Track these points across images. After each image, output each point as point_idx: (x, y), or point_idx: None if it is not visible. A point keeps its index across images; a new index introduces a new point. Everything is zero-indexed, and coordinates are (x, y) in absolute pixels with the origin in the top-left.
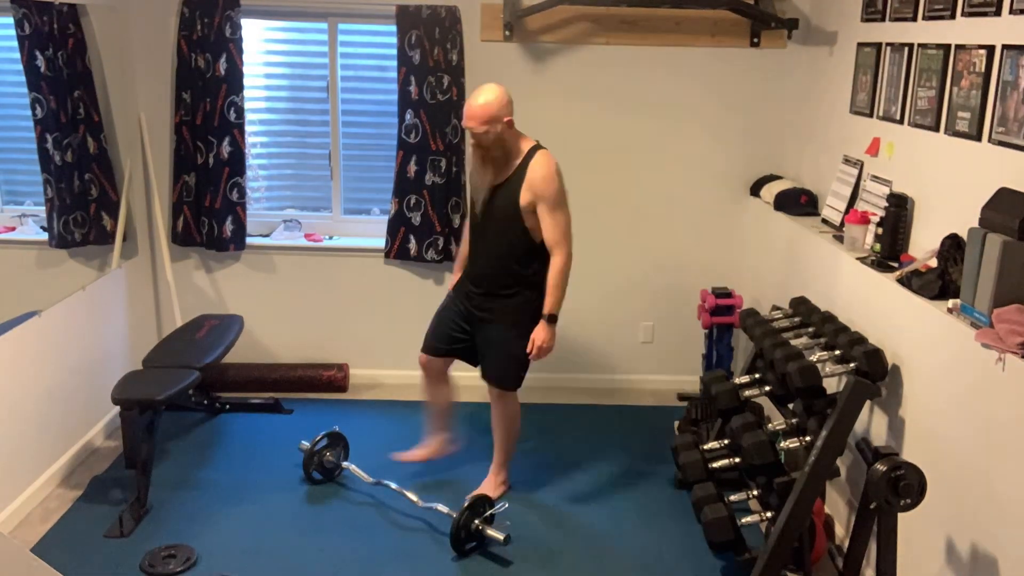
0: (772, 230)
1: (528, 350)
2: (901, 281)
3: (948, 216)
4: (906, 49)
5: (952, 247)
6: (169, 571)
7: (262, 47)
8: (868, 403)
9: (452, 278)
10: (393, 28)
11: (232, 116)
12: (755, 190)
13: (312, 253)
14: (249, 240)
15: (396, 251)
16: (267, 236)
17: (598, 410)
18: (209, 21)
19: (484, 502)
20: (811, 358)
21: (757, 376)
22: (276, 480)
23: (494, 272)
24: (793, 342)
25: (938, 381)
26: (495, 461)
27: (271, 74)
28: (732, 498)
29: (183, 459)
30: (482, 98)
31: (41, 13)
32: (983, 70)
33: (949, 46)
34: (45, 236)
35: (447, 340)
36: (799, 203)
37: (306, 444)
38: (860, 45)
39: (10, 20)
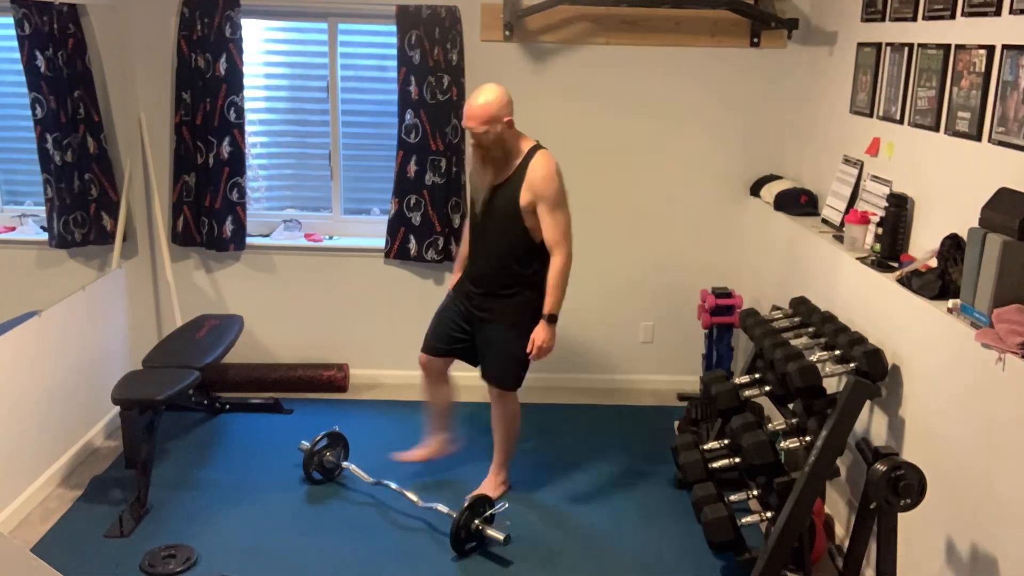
0: (772, 230)
1: (528, 350)
2: (901, 281)
3: (948, 216)
4: (906, 49)
5: (952, 247)
6: (169, 571)
7: (262, 47)
8: (868, 403)
9: (452, 278)
10: (393, 28)
11: (232, 116)
12: (755, 190)
13: (312, 253)
14: (249, 240)
15: (396, 251)
16: (267, 236)
17: (598, 410)
18: (209, 21)
19: (484, 502)
20: (811, 358)
21: (757, 376)
22: (276, 480)
23: (494, 272)
24: (793, 342)
25: (938, 381)
26: (495, 461)
27: (271, 74)
28: (732, 498)
29: (183, 459)
30: (482, 98)
31: (41, 13)
32: (983, 70)
33: (949, 46)
34: (45, 236)
35: (447, 340)
36: (799, 203)
37: (306, 444)
38: (860, 45)
39: (10, 20)
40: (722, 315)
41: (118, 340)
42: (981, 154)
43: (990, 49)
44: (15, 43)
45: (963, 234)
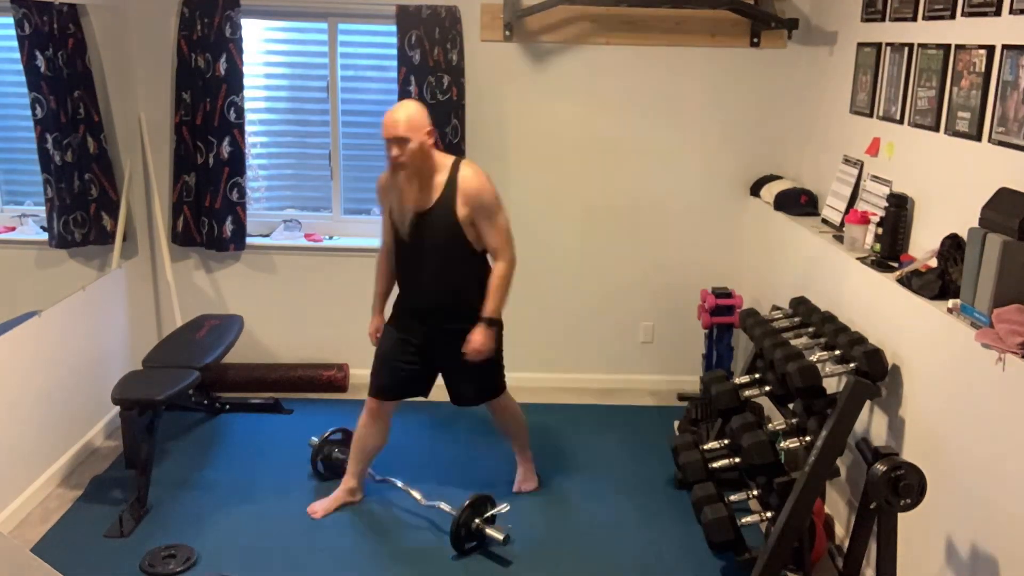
0: (772, 230)
1: (464, 350)
2: (901, 281)
3: (948, 216)
4: (906, 49)
5: (952, 247)
6: (169, 571)
7: (262, 47)
8: (868, 403)
9: (373, 320)
10: (393, 28)
11: (232, 116)
12: (755, 190)
13: (312, 253)
14: (249, 240)
15: None
16: (267, 236)
17: (598, 410)
18: (209, 21)
19: (486, 501)
20: (811, 358)
21: (757, 376)
22: (276, 480)
23: (446, 300)
24: (793, 342)
25: (938, 381)
26: (520, 457)
27: (271, 74)
28: (732, 498)
29: (183, 459)
30: (402, 110)
31: (41, 13)
32: (983, 70)
33: (949, 46)
34: (45, 236)
35: (399, 382)
36: (799, 203)
37: (315, 440)
38: (860, 45)
39: (10, 20)
40: (722, 315)
41: (118, 340)
42: (981, 154)
43: (990, 49)
44: (15, 43)
45: (963, 234)
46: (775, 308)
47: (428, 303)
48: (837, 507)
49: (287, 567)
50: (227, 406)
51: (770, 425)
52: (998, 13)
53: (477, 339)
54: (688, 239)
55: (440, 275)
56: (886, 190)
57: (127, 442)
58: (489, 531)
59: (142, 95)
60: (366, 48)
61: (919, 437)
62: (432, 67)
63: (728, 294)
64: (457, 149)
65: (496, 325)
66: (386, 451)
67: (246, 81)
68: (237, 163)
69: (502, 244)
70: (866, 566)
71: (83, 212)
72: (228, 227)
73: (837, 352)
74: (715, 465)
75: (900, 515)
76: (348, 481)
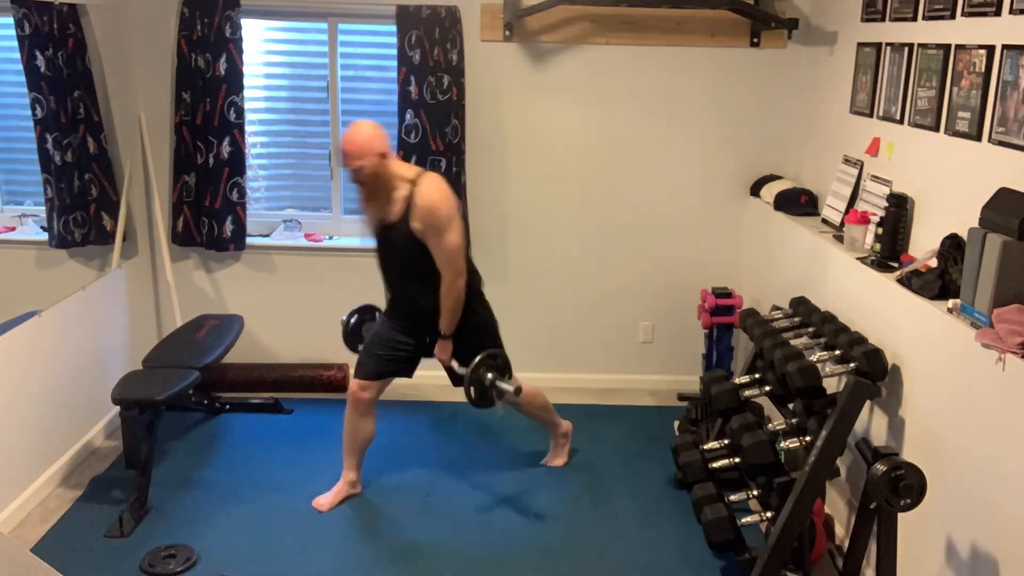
0: (772, 230)
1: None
2: (901, 281)
3: (948, 216)
4: (906, 49)
5: (952, 247)
6: (169, 571)
7: (262, 47)
8: (868, 403)
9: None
10: (393, 28)
11: (232, 116)
12: (755, 190)
13: (312, 253)
14: (249, 240)
15: None
16: (267, 236)
17: (598, 410)
18: (209, 21)
19: (496, 356)
20: (811, 358)
21: (757, 376)
22: (276, 480)
23: (425, 313)
24: (793, 342)
25: (938, 381)
26: (552, 434)
27: (271, 74)
28: (732, 498)
29: (183, 459)
30: (351, 135)
31: (41, 13)
32: (983, 70)
33: (949, 46)
34: (45, 236)
35: (385, 360)
36: (799, 203)
37: (344, 317)
38: (860, 45)
39: (10, 20)
40: (722, 315)
41: (118, 340)
42: (981, 154)
43: (990, 49)
44: (15, 43)
45: (963, 234)
46: (775, 308)
47: (404, 311)
48: (837, 507)
49: (287, 567)
50: (227, 406)
51: (770, 425)
52: (998, 13)
53: (436, 352)
54: (688, 239)
55: (409, 286)
56: (886, 190)
57: (127, 442)
58: (500, 384)
59: (142, 95)
60: (366, 48)
61: (919, 437)
62: (432, 67)
63: (728, 294)
64: (457, 149)
65: (449, 339)
66: (386, 450)
67: (246, 81)
68: (237, 163)
69: (444, 262)
70: (866, 566)
71: (83, 212)
72: (228, 227)
73: (837, 352)
74: (715, 465)
75: (900, 515)
76: (348, 474)
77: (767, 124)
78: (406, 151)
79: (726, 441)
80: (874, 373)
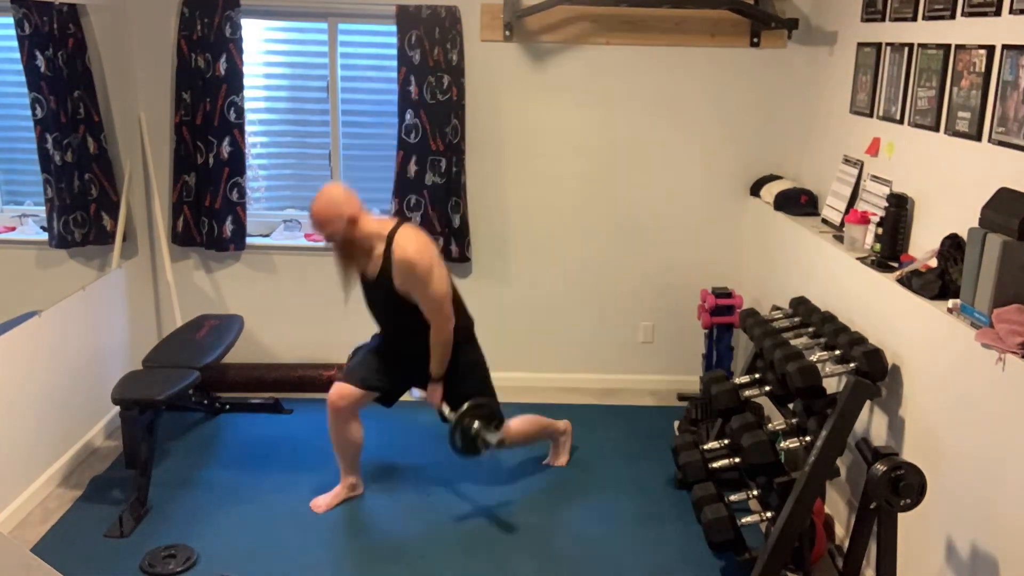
0: (772, 230)
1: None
2: (901, 281)
3: (948, 216)
4: (906, 49)
5: (952, 247)
6: (169, 571)
7: (262, 47)
8: (868, 403)
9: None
10: (393, 28)
11: (232, 116)
12: (755, 190)
13: (312, 253)
14: (249, 240)
15: None
16: (267, 236)
17: (598, 410)
18: (209, 21)
19: (484, 406)
20: (811, 358)
21: (757, 376)
22: (276, 480)
23: (419, 355)
24: (793, 342)
25: (938, 381)
26: (552, 438)
27: (271, 74)
28: (732, 498)
29: (183, 459)
30: (317, 204)
31: (41, 13)
32: (983, 70)
33: (949, 46)
34: (45, 236)
35: (377, 373)
36: (799, 203)
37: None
38: (860, 45)
39: (10, 20)
40: (722, 315)
41: (118, 340)
42: (981, 154)
43: (990, 49)
44: (15, 43)
45: (963, 234)
46: (775, 308)
47: (396, 353)
48: (837, 507)
49: (287, 567)
50: (227, 406)
51: (770, 425)
52: (998, 13)
53: (428, 395)
54: (688, 239)
55: (402, 335)
56: (886, 190)
57: (127, 442)
58: (486, 435)
59: (142, 95)
60: (366, 48)
61: (919, 437)
62: (432, 67)
63: (728, 294)
64: (457, 149)
65: (440, 381)
66: (386, 450)
67: (246, 81)
68: (237, 163)
69: (432, 311)
70: (866, 566)
71: (83, 212)
72: (228, 227)
73: (837, 352)
74: (715, 465)
75: (900, 515)
76: (346, 479)
77: (767, 124)
78: (406, 151)
79: (726, 441)
80: (874, 373)
